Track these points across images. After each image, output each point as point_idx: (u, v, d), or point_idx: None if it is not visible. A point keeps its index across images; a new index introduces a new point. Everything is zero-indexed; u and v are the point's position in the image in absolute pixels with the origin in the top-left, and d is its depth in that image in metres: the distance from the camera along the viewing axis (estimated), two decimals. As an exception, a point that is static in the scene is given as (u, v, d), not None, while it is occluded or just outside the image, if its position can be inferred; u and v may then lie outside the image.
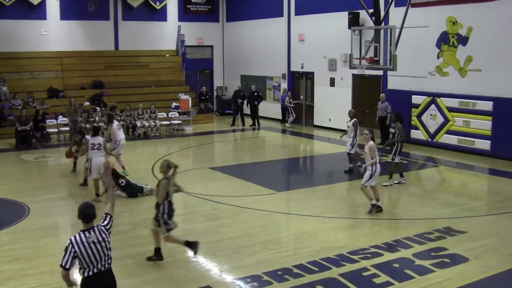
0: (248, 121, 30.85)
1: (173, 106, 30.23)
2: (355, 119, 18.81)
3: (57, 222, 14.54)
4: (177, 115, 29.78)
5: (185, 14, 35.41)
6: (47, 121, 26.27)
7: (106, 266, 7.17)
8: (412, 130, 24.07)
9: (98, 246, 7.06)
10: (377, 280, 10.00)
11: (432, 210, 14.64)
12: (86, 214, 7.17)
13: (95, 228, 7.16)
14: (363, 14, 24.53)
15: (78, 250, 6.99)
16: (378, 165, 14.40)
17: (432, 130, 23.39)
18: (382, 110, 24.22)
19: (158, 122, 28.08)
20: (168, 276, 10.38)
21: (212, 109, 34.39)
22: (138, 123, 27.56)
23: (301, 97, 31.01)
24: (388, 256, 11.13)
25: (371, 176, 14.21)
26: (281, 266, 10.61)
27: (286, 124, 30.10)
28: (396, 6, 22.24)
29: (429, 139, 23.55)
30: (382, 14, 21.94)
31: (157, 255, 11.12)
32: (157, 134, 27.73)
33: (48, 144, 25.15)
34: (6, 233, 13.21)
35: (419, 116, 23.84)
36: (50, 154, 23.21)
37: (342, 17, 26.30)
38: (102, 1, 32.88)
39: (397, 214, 14.41)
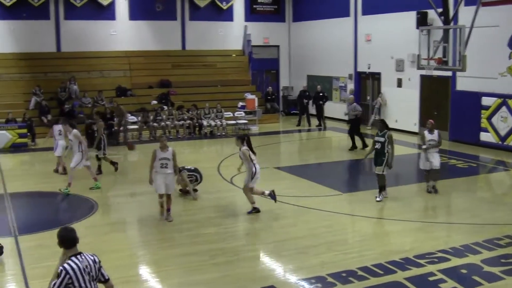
0: (314, 121, 30.74)
1: (239, 105, 30.41)
2: (436, 131, 16.08)
3: (124, 218, 14.81)
4: (243, 114, 29.93)
5: (251, 14, 35.55)
6: (115, 119, 26.75)
7: None
8: (481, 133, 23.51)
9: (87, 276, 6.45)
10: (443, 286, 9.81)
11: (502, 215, 14.25)
12: (68, 239, 6.76)
13: (84, 254, 6.62)
14: (432, 14, 24.10)
15: (74, 276, 6.35)
16: (257, 166, 14.34)
17: (502, 132, 22.77)
18: (350, 112, 23.96)
19: (224, 122, 28.30)
20: (232, 275, 10.44)
21: (278, 109, 34.43)
22: (205, 122, 27.83)
23: (368, 98, 30.71)
24: (455, 261, 10.90)
25: (252, 178, 14.17)
26: (346, 268, 10.54)
27: (367, 127, 29.52)
28: (466, 5, 21.80)
29: (500, 142, 22.93)
30: (451, 13, 21.57)
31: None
32: (223, 134, 27.94)
33: (116, 142, 25.59)
34: (75, 228, 13.47)
35: (489, 118, 23.25)
36: (118, 151, 23.66)
37: (410, 17, 25.93)
38: (169, 2, 33.33)
39: (466, 219, 14.07)
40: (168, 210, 13.70)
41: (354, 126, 23.93)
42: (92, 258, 6.57)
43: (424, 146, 16.01)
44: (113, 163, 19.61)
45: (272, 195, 14.50)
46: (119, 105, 26.18)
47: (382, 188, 15.53)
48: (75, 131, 16.57)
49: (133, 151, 23.38)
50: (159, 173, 13.53)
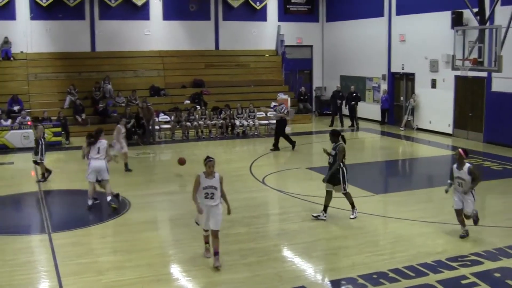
0: (347, 122, 30.60)
1: (272, 105, 30.37)
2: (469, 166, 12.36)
3: (156, 217, 14.91)
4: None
5: (285, 14, 35.52)
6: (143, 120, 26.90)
7: None
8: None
9: None
10: (476, 289, 9.71)
11: (538, 218, 14.04)
12: None
13: None
14: (467, 14, 23.83)
15: None
16: (92, 161, 14.65)
17: (539, 134, 22.44)
18: (278, 112, 23.94)
19: (257, 122, 28.31)
20: (262, 275, 10.44)
21: (310, 110, 34.36)
22: (237, 122, 27.87)
23: (401, 98, 30.48)
24: (488, 265, 10.77)
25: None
26: (377, 270, 10.48)
27: (400, 128, 29.27)
28: (502, 5, 21.56)
29: (536, 144, 22.61)
30: (487, 13, 21.33)
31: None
32: (256, 133, 27.96)
33: (150, 141, 25.74)
34: (108, 226, 13.71)
35: (525, 119, 22.94)
36: (152, 150, 23.83)
37: (444, 17, 25.66)
38: (203, 2, 33.46)
39: (500, 222, 13.88)
40: (216, 253, 10.81)
41: (279, 127, 23.83)
42: None
43: (446, 188, 12.83)
44: (47, 171, 18.34)
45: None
46: (148, 105, 26.23)
47: (352, 205, 14.11)
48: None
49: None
50: (202, 205, 10.85)
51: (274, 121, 29.08)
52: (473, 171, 12.05)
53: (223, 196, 10.97)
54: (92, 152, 14.86)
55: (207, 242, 11.33)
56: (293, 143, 23.50)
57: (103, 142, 15.03)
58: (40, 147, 17.94)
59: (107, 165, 15.13)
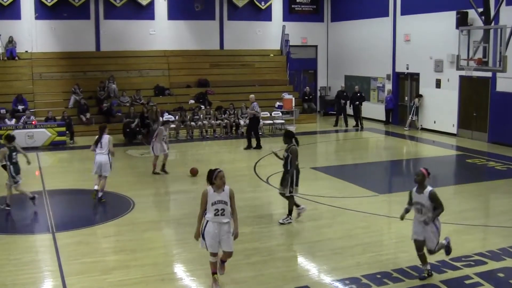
0: (351, 122, 30.60)
1: (276, 105, 30.41)
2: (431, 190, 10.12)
3: (160, 217, 14.92)
4: (280, 114, 29.90)
5: (289, 13, 35.53)
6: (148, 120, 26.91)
7: None
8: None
9: None
10: (480, 289, 9.70)
11: (543, 218, 14.01)
12: None
13: None
14: (472, 14, 23.81)
15: None
16: (96, 156, 15.35)
17: (543, 135, 22.40)
18: (249, 111, 24.19)
19: (261, 121, 28.27)
20: (266, 274, 10.45)
21: (315, 109, 34.38)
22: (242, 122, 27.87)
23: (406, 98, 30.46)
24: (492, 265, 10.75)
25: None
26: (381, 270, 10.48)
27: (404, 127, 29.21)
28: (507, 4, 21.54)
29: (540, 145, 22.57)
30: (492, 13, 21.31)
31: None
32: (260, 133, 27.93)
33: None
34: (112, 225, 13.72)
35: (530, 119, 22.91)
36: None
37: (449, 17, 25.62)
38: (208, 1, 33.50)
39: (504, 222, 13.85)
40: (223, 261, 9.94)
41: (252, 125, 23.84)
42: None
43: (401, 214, 10.66)
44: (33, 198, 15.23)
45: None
46: (157, 109, 26.08)
47: (290, 212, 13.58)
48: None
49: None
50: (212, 222, 9.48)
51: (279, 121, 29.25)
52: (435, 197, 9.97)
53: (233, 213, 9.63)
54: (97, 147, 15.50)
55: (215, 272, 9.78)
56: (258, 145, 23.67)
57: (105, 137, 15.53)
58: (8, 170, 14.97)
59: (111, 160, 15.60)
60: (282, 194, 13.63)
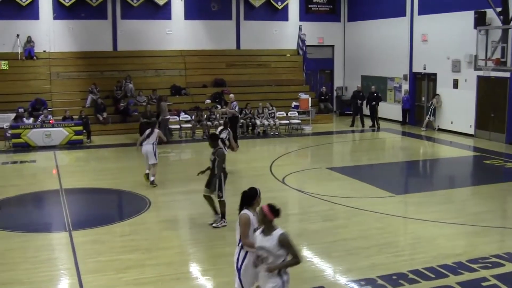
0: (368, 122, 30.50)
1: (292, 105, 30.37)
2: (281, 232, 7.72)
3: (176, 216, 14.93)
4: (297, 114, 29.86)
5: (306, 13, 35.45)
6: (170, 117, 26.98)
7: None
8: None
9: None
10: (497, 291, 9.63)
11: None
12: None
13: None
14: (490, 13, 23.62)
15: None
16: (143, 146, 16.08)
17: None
18: (230, 109, 24.12)
19: (278, 121, 28.30)
20: (282, 275, 10.42)
21: (331, 109, 34.29)
22: (258, 122, 27.87)
23: (422, 98, 30.32)
24: (510, 267, 10.64)
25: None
26: (397, 271, 10.42)
27: (422, 128, 29.07)
28: (526, 5, 21.32)
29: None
30: (511, 13, 21.11)
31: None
32: (276, 133, 27.95)
33: (170, 140, 25.78)
34: (128, 224, 13.77)
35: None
36: (172, 149, 23.91)
37: (467, 17, 25.43)
38: (225, 1, 33.51)
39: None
40: None
41: (231, 125, 23.75)
42: None
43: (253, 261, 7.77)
44: None
45: None
46: (160, 101, 25.84)
47: (223, 215, 13.18)
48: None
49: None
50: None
51: (296, 121, 29.22)
52: (288, 243, 7.36)
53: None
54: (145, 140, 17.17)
55: None
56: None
57: (155, 131, 17.35)
58: None
59: (155, 149, 17.12)
60: (206, 197, 13.29)
